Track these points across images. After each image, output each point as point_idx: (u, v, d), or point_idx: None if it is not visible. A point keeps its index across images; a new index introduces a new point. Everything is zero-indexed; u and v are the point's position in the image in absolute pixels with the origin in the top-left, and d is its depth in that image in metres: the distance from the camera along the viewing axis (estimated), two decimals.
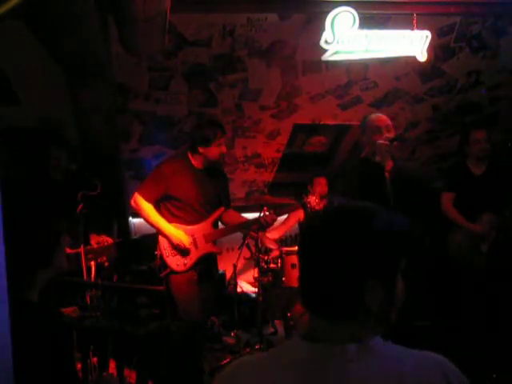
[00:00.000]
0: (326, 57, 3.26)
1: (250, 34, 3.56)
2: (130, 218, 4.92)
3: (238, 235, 4.56)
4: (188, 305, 3.16)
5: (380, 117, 3.02)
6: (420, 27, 3.36)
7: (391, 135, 2.92)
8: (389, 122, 2.97)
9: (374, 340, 0.94)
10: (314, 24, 3.45)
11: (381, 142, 2.85)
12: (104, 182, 3.43)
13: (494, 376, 3.14)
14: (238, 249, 4.52)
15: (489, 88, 4.55)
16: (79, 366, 2.49)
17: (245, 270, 5.39)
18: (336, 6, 3.12)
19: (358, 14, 3.13)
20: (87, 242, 3.51)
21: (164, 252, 3.20)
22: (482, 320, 3.53)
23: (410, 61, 3.61)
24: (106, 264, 3.41)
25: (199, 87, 4.02)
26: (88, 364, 2.48)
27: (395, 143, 2.90)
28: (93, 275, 3.24)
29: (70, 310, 2.39)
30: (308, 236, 1.02)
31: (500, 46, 4.05)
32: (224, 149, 3.23)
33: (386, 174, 2.82)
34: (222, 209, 3.31)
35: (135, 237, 4.71)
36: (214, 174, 3.37)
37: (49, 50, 2.99)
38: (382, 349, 0.94)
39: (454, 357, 0.97)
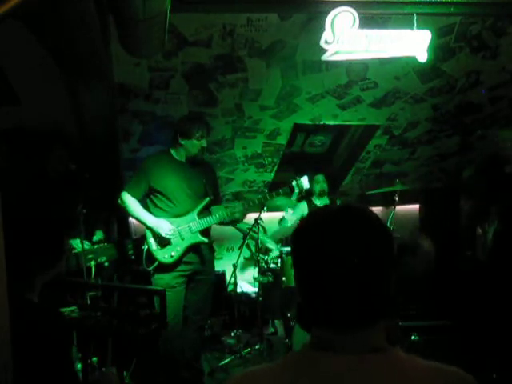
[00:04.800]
0: (326, 57, 3.26)
1: (250, 34, 3.56)
2: (130, 218, 4.92)
3: (238, 235, 4.57)
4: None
5: None
6: (420, 27, 3.37)
7: None
8: None
9: (392, 350, 0.92)
10: (314, 24, 3.45)
11: None
12: (104, 182, 3.44)
13: (494, 376, 3.14)
14: (238, 249, 4.53)
15: (489, 88, 4.55)
16: (79, 366, 2.49)
17: (245, 270, 5.40)
18: (336, 6, 3.12)
19: (358, 14, 3.13)
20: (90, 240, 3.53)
21: (150, 245, 3.21)
22: (481, 319, 3.53)
23: (410, 61, 3.61)
24: (106, 264, 3.41)
25: (199, 87, 4.02)
26: (88, 364, 2.48)
27: None
28: (93, 275, 3.24)
29: (69, 310, 2.39)
30: (335, 245, 0.91)
31: (500, 45, 4.05)
32: (204, 143, 3.29)
33: None
34: (207, 199, 3.31)
35: (135, 237, 4.71)
36: (199, 166, 3.40)
37: (49, 50, 2.99)
38: (401, 361, 0.92)
39: (454, 357, 0.97)
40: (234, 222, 3.57)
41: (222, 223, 3.44)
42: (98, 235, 3.70)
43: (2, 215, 1.11)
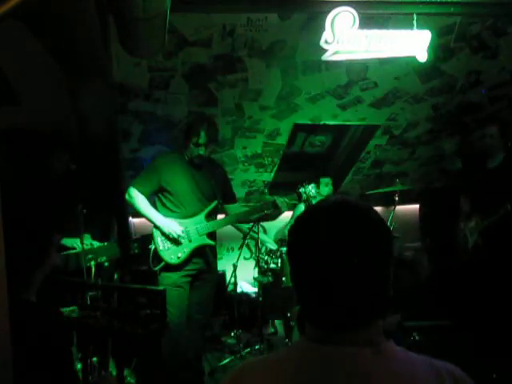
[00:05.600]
0: (326, 57, 3.26)
1: (250, 34, 3.56)
2: (130, 218, 4.92)
3: (238, 235, 4.57)
4: (171, 308, 3.10)
5: None
6: (420, 27, 3.37)
7: None
8: None
9: (386, 344, 0.92)
10: (313, 24, 3.45)
11: None
12: (104, 182, 3.43)
13: (494, 376, 3.14)
14: (238, 249, 4.53)
15: (489, 88, 4.55)
16: (79, 366, 2.49)
17: (245, 270, 5.39)
18: (336, 6, 3.12)
19: (358, 14, 3.13)
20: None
21: (157, 245, 3.21)
22: (481, 319, 3.53)
23: (410, 61, 3.61)
24: (106, 264, 3.41)
25: (199, 87, 4.02)
26: (88, 364, 2.48)
27: None
28: (93, 275, 3.24)
29: (69, 310, 2.39)
30: (329, 243, 0.90)
31: (500, 45, 4.05)
32: (212, 142, 3.25)
33: None
34: (215, 202, 3.31)
35: (135, 237, 4.71)
36: (208, 168, 3.38)
37: (49, 50, 2.99)
38: (394, 353, 0.92)
39: (454, 357, 0.97)
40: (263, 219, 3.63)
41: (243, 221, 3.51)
42: (87, 239, 3.65)
43: (1, 215, 1.11)
